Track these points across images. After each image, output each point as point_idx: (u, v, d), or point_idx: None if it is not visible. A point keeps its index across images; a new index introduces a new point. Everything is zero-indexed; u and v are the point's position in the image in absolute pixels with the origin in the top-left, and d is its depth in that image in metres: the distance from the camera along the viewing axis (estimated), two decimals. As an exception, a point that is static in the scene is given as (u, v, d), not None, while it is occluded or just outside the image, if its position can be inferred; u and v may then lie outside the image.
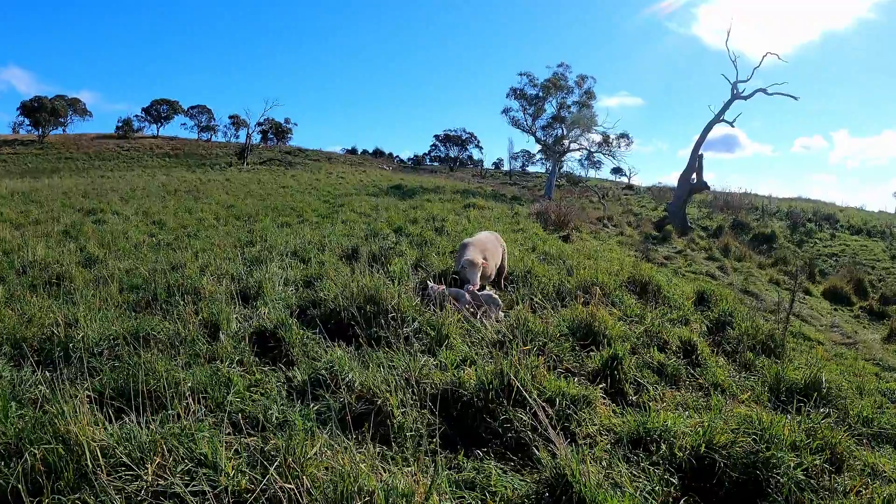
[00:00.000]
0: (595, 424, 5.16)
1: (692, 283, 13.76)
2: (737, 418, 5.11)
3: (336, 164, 67.53)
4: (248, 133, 73.21)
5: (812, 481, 4.57)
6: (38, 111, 73.89)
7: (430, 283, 8.42)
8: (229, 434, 4.52)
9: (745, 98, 35.68)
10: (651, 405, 5.62)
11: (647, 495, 4.13)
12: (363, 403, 5.17)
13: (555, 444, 4.20)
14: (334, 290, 8.06)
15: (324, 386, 5.34)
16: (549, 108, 49.01)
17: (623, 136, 47.83)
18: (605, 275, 10.49)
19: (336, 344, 6.55)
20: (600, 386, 5.86)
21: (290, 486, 3.72)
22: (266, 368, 6.06)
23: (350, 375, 5.51)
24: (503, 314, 7.85)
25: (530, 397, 4.87)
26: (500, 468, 4.49)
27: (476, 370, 5.56)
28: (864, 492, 4.50)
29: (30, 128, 76.02)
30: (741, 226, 34.46)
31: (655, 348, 7.29)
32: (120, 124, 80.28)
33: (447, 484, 4.04)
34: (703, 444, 4.65)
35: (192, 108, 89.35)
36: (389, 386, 5.23)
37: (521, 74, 48.94)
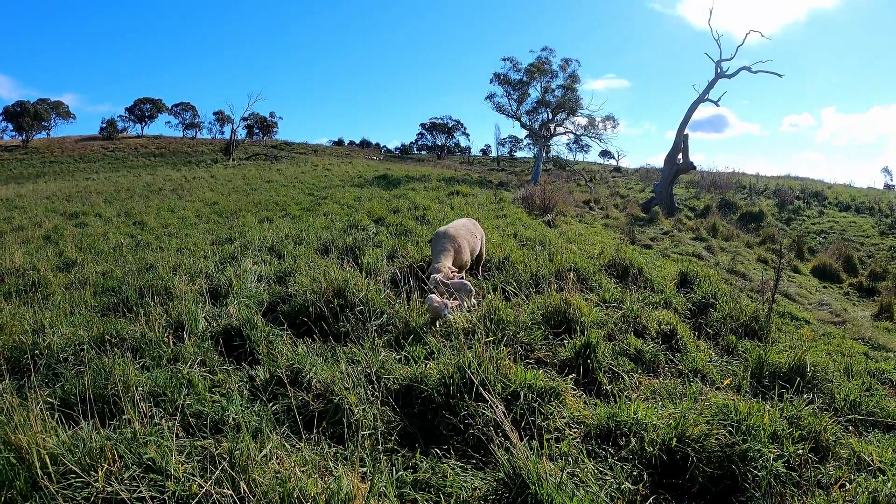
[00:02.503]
0: (563, 418, 4.90)
1: (676, 265, 13.51)
2: (713, 408, 4.84)
3: (322, 156, 67.09)
4: (232, 128, 72.47)
5: (793, 474, 4.31)
6: (20, 116, 73.23)
7: (434, 276, 8.14)
8: (183, 437, 4.30)
9: (730, 77, 35.39)
10: (625, 395, 5.39)
11: (613, 493, 3.88)
12: (321, 401, 4.94)
13: (511, 442, 3.94)
14: (304, 284, 7.81)
15: (285, 384, 5.10)
16: (534, 93, 48.57)
17: (609, 118, 47.53)
18: (584, 259, 10.26)
19: (303, 340, 6.34)
20: (571, 376, 5.58)
21: (228, 491, 3.49)
22: (230, 368, 5.84)
23: (311, 373, 5.28)
24: (475, 301, 7.58)
25: (491, 391, 4.61)
26: (460, 467, 4.23)
27: (438, 364, 5.30)
28: (848, 485, 4.24)
29: (13, 133, 75.35)
30: (729, 205, 34.27)
31: (633, 334, 7.05)
32: (104, 125, 79.59)
33: (392, 486, 3.79)
34: (675, 438, 4.38)
35: (176, 105, 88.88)
36: (348, 383, 4.99)
37: (504, 59, 48.47)
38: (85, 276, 9.98)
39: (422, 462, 4.27)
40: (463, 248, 8.94)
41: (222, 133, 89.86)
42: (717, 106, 36.26)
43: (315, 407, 4.85)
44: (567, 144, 58.21)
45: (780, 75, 35.31)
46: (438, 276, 8.00)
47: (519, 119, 48.60)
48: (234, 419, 4.61)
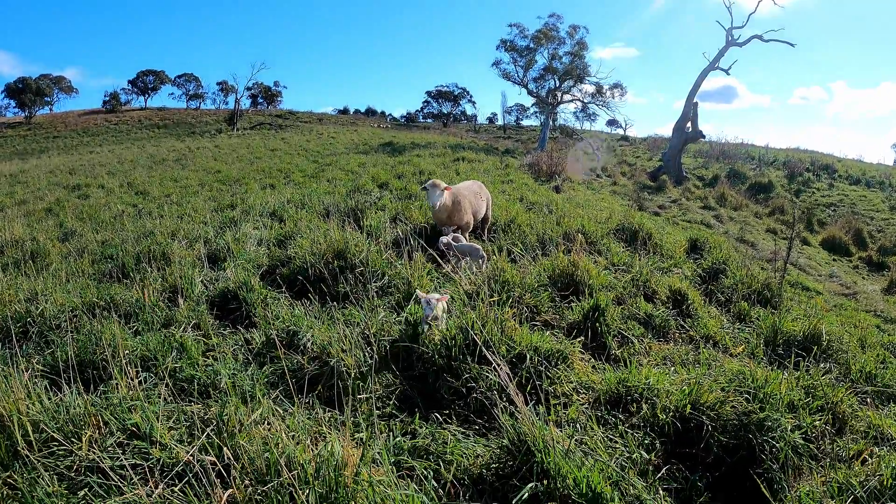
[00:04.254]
0: (571, 382, 4.65)
1: (686, 232, 13.22)
2: (728, 374, 4.60)
3: (327, 124, 66.35)
4: (236, 98, 71.78)
5: (811, 446, 4.07)
6: (22, 92, 72.65)
7: (443, 237, 7.87)
8: (171, 402, 4.08)
9: (741, 45, 34.70)
10: (635, 360, 5.14)
11: (624, 462, 3.64)
12: (317, 364, 4.73)
13: (516, 406, 3.69)
14: (303, 247, 7.56)
15: (281, 347, 4.87)
16: (541, 60, 47.73)
17: (616, 86, 46.85)
18: (592, 223, 9.98)
19: (301, 303, 6.12)
20: (579, 339, 5.33)
21: (210, 458, 3.27)
22: (225, 332, 5.66)
23: (307, 335, 5.06)
24: (485, 265, 7.31)
25: (496, 353, 4.36)
26: (461, 433, 4.00)
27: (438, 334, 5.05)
28: (870, 460, 3.97)
29: (16, 110, 74.83)
30: (738, 175, 33.87)
31: (643, 298, 6.79)
32: (107, 98, 78.97)
33: (388, 453, 3.56)
34: (689, 404, 4.14)
35: (179, 76, 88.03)
36: (345, 344, 4.76)
37: (511, 25, 47.62)
38: (84, 244, 9.80)
39: (421, 427, 4.04)
40: (465, 209, 8.66)
41: (226, 103, 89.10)
42: (728, 75, 35.70)
43: (310, 370, 4.65)
44: (574, 113, 57.20)
45: (792, 45, 34.39)
46: (447, 238, 7.74)
47: (526, 86, 47.88)
48: (225, 383, 4.41)
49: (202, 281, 6.91)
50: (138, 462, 3.41)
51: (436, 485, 3.43)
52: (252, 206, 12.49)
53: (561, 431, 3.76)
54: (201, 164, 27.11)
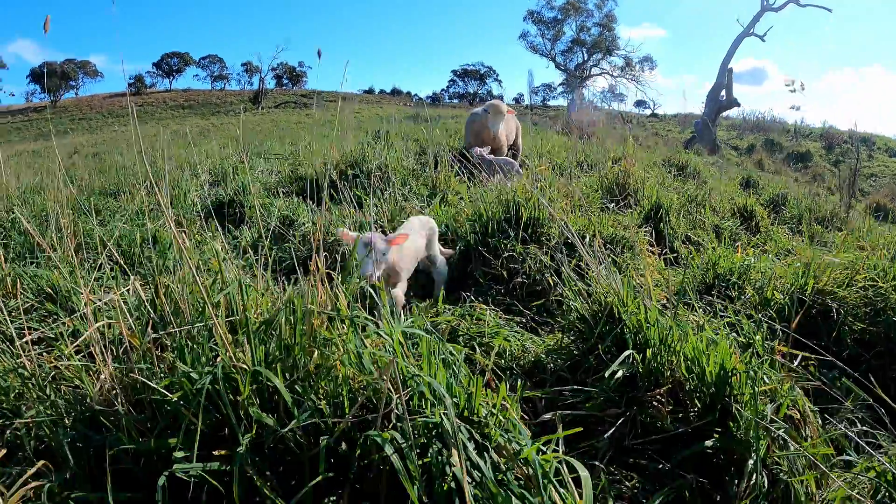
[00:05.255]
0: (641, 274, 3.62)
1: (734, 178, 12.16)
2: (843, 263, 3.55)
3: (352, 102, 65.64)
4: (261, 77, 71.13)
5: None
6: (48, 77, 72.58)
7: (476, 149, 6.83)
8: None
9: (776, 9, 33.04)
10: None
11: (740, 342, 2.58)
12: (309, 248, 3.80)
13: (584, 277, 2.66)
14: (317, 159, 6.62)
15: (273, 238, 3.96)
16: (569, 32, 46.17)
17: (646, 59, 45.34)
18: (637, 154, 8.94)
19: (307, 206, 5.20)
20: (645, 230, 4.32)
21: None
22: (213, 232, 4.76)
23: (304, 220, 4.13)
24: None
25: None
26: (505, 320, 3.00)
27: (471, 206, 4.04)
28: None
29: (42, 95, 74.81)
30: (773, 145, 32.51)
31: (708, 208, 5.76)
32: (132, 81, 78.56)
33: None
34: (811, 287, 3.11)
35: (204, 58, 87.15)
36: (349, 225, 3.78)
37: (538, -3, 46.35)
38: (86, 185, 9.02)
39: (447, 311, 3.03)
40: (501, 135, 7.59)
41: (251, 84, 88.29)
42: (763, 41, 34.16)
43: (304, 252, 3.69)
44: (602, 93, 55.59)
45: (829, 10, 32.72)
46: (482, 151, 6.69)
47: (553, 59, 46.47)
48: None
49: (197, 193, 6.04)
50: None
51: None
52: (270, 148, 11.66)
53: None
54: (224, 134, 26.58)
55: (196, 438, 1.50)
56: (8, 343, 2.27)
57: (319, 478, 1.49)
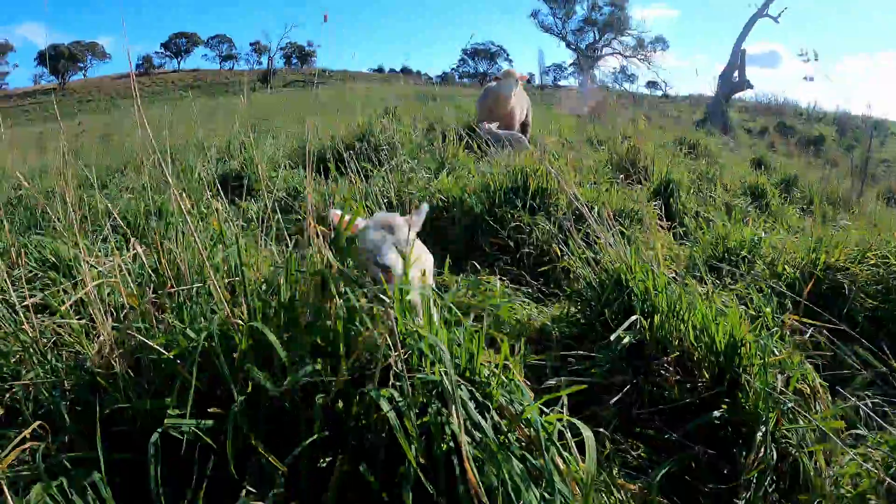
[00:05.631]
0: (650, 248, 3.57)
1: (746, 159, 12.06)
2: (853, 239, 3.50)
3: (362, 81, 65.29)
4: (269, 57, 71.00)
5: None
6: (55, 59, 72.43)
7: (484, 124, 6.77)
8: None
9: (789, -10, 32.65)
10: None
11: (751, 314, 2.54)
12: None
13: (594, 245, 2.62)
14: (324, 134, 6.60)
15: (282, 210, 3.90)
16: (580, 11, 45.90)
17: (659, 39, 44.89)
18: (648, 133, 8.85)
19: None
20: (654, 204, 4.26)
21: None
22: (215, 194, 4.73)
23: (307, 193, 4.05)
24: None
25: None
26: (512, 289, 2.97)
27: (479, 178, 3.99)
28: None
29: (50, 78, 74.65)
30: (786, 128, 32.21)
31: (719, 185, 5.71)
32: (140, 62, 78.31)
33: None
34: (822, 262, 3.06)
35: (212, 38, 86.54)
36: (356, 197, 3.73)
37: (550, -26, 45.88)
38: (93, 163, 9.04)
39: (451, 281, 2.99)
40: (516, 110, 7.50)
41: (260, 63, 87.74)
42: (777, 22, 33.51)
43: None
44: (613, 73, 55.13)
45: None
46: (491, 125, 6.61)
47: (565, 38, 46.08)
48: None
49: (205, 169, 6.02)
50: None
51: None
52: (279, 128, 11.62)
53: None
54: (232, 113, 26.58)
55: (190, 395, 1.47)
56: (10, 310, 2.26)
57: (315, 436, 1.47)
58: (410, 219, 2.23)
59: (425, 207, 2.32)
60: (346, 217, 2.03)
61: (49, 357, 1.95)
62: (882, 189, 20.85)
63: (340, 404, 1.54)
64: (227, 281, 1.91)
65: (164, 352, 1.63)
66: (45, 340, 2.05)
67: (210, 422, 1.50)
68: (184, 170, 5.74)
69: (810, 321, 2.58)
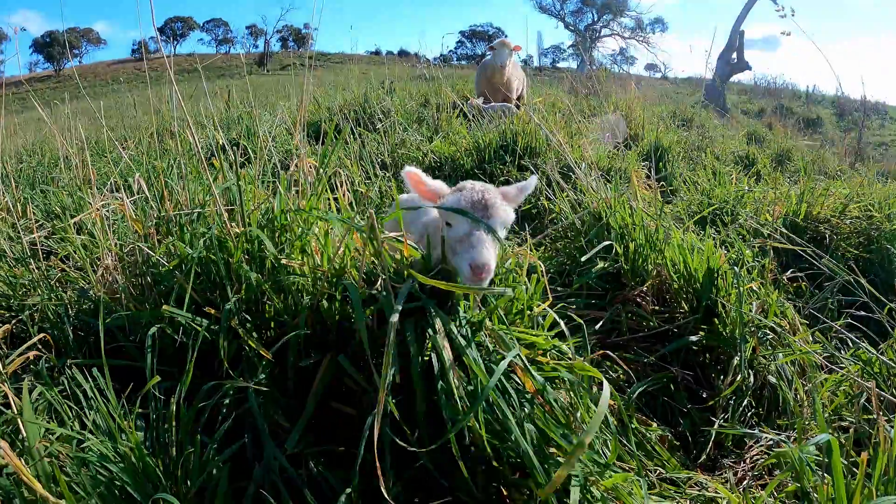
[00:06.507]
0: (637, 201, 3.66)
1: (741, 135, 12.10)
2: (838, 194, 3.59)
3: (359, 64, 64.96)
4: (266, 40, 70.69)
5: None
6: (50, 46, 71.96)
7: (472, 100, 6.83)
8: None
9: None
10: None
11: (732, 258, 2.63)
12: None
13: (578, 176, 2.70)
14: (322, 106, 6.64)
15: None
16: (579, -9, 45.76)
17: (658, 20, 44.89)
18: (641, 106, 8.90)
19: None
20: (643, 165, 4.33)
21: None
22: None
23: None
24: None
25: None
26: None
27: (470, 137, 4.07)
28: None
29: (46, 65, 74.09)
30: (785, 110, 32.11)
31: (710, 153, 5.77)
32: (135, 47, 77.80)
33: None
34: (804, 212, 3.16)
35: (207, 22, 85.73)
36: (349, 159, 3.82)
37: (548, -46, 45.60)
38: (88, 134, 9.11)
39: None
40: (513, 83, 7.55)
41: (256, 47, 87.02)
42: (776, 3, 33.34)
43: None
44: (612, 56, 54.83)
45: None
46: (477, 101, 6.69)
47: (563, 19, 45.85)
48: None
49: (204, 142, 6.12)
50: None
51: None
52: (275, 104, 11.67)
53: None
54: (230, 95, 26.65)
55: (188, 294, 1.56)
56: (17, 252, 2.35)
57: (302, 331, 1.56)
58: (509, 192, 1.76)
59: (533, 180, 1.85)
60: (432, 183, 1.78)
61: (55, 289, 2.05)
62: (876, 169, 20.95)
63: (326, 304, 1.62)
64: (225, 208, 1.99)
65: (164, 262, 1.71)
66: (50, 276, 2.16)
67: (205, 321, 1.58)
68: (184, 142, 5.82)
69: (793, 268, 2.69)
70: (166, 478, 1.35)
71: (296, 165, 2.00)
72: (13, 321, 2.00)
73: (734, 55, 31.93)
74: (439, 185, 1.76)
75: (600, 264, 2.27)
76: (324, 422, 1.59)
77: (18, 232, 2.39)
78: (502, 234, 1.68)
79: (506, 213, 1.66)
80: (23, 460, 1.19)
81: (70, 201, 3.10)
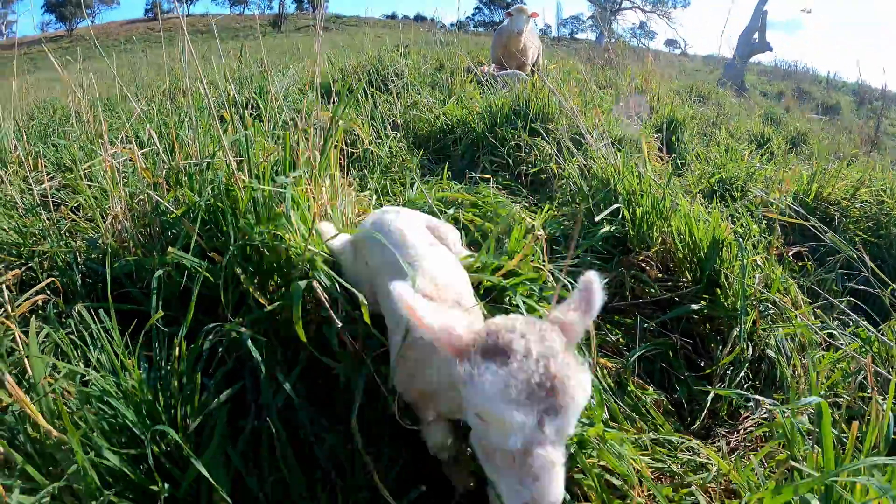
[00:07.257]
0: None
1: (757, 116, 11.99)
2: (847, 179, 3.57)
3: (375, 28, 64.48)
4: (280, 1, 70.22)
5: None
6: (62, 5, 71.52)
7: (483, 67, 6.79)
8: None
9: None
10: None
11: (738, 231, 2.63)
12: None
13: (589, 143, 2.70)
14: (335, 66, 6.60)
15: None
16: (601, -39, 45.01)
17: (680, -9, 44.23)
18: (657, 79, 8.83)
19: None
20: (655, 138, 4.30)
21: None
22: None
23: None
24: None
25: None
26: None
27: (483, 101, 4.07)
28: None
29: (58, 24, 73.59)
30: (804, 94, 31.70)
31: (724, 130, 5.73)
32: (149, 7, 77.26)
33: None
34: (814, 192, 3.15)
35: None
36: (361, 120, 3.81)
37: (571, -78, 44.78)
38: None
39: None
40: (530, 50, 7.49)
41: (271, 7, 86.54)
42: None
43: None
44: (632, 29, 54.18)
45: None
46: (489, 68, 6.65)
47: (583, -11, 45.22)
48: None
49: (216, 101, 6.08)
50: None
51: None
52: (287, 67, 11.58)
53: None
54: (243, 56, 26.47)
55: (193, 239, 1.58)
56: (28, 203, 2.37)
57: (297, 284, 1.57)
58: (573, 323, 1.06)
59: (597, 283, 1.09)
60: None
61: (65, 237, 2.08)
62: (892, 158, 20.72)
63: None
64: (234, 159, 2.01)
65: (172, 209, 1.73)
66: (61, 226, 2.18)
67: (207, 263, 1.61)
68: (196, 101, 5.81)
69: (798, 245, 2.69)
70: (167, 414, 1.38)
71: (304, 119, 2.00)
72: (23, 268, 2.03)
73: (755, 36, 31.46)
74: (454, 320, 1.03)
75: (606, 227, 2.28)
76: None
77: (30, 184, 2.42)
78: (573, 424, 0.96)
79: (584, 394, 0.96)
80: (28, 397, 1.23)
81: (81, 154, 3.09)
